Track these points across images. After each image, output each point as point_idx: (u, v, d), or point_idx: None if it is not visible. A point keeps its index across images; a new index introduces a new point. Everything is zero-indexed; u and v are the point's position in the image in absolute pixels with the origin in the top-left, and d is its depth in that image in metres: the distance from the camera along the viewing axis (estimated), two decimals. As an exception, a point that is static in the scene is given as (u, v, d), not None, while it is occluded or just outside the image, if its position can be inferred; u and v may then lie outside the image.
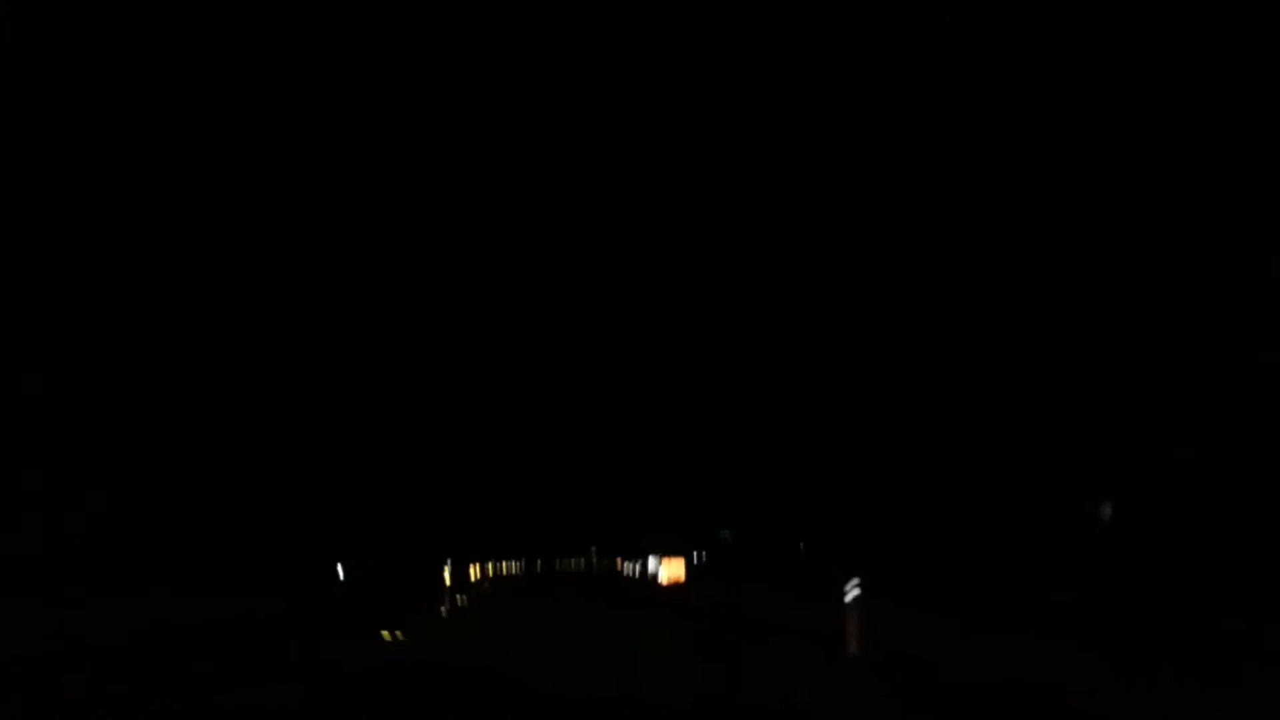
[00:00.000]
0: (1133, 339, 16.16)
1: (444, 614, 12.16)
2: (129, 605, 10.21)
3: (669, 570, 22.25)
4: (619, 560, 39.01)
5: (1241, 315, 14.02)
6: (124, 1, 15.98)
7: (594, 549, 44.43)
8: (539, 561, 43.01)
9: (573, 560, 45.02)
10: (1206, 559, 11.44)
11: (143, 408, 16.44)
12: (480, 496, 40.94)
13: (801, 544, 24.60)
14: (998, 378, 19.23)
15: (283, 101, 19.84)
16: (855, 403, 24.38)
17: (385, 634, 8.65)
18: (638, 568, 37.96)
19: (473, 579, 21.09)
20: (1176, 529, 13.24)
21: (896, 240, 23.31)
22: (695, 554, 30.86)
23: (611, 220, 39.82)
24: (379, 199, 26.28)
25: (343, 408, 24.71)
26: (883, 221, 24.01)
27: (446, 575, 13.01)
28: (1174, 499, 13.83)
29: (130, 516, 15.48)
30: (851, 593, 7.23)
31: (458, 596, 13.65)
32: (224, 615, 10.46)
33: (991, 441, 19.15)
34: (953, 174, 21.02)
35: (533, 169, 39.72)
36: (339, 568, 15.75)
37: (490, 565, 26.77)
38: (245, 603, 11.79)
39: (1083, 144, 17.76)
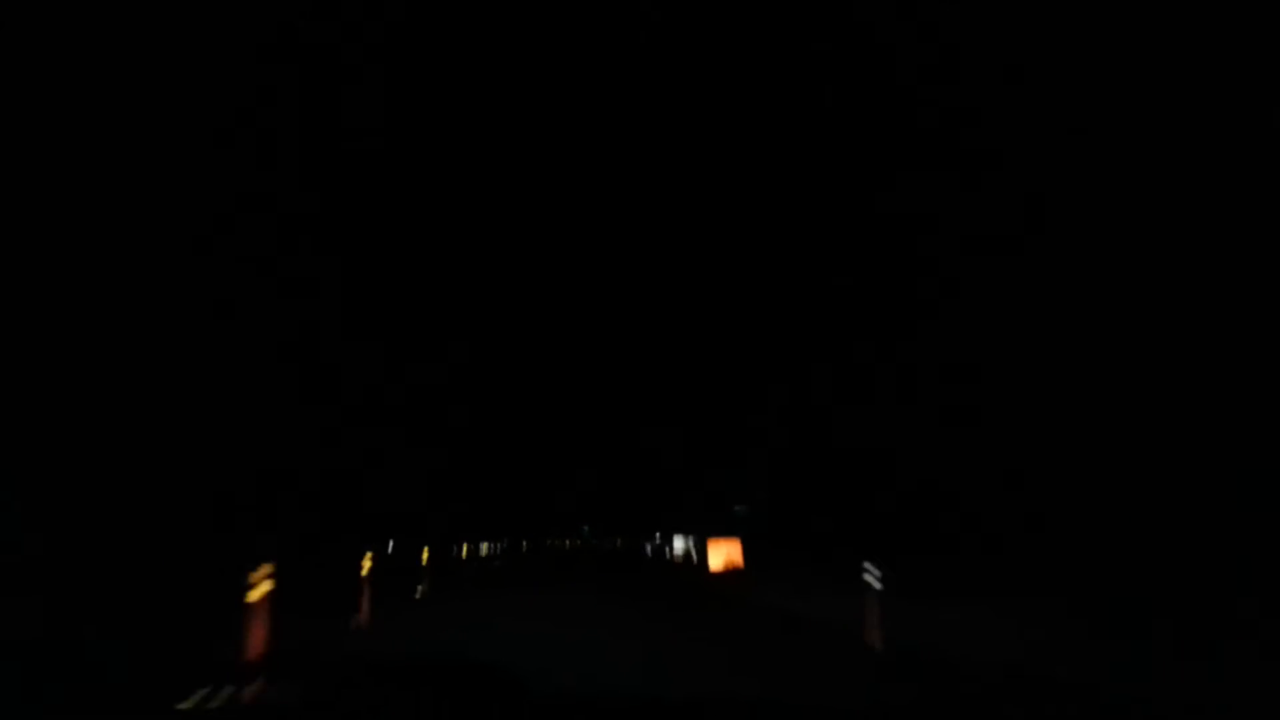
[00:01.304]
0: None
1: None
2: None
3: (721, 554, 16.54)
4: (618, 540, 35.37)
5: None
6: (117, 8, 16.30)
7: (586, 528, 40.56)
8: (525, 542, 38.51)
9: (567, 540, 40.88)
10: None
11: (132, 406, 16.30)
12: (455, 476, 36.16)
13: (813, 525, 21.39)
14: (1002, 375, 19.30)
15: (278, 97, 20.29)
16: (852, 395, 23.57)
17: None
18: (650, 549, 33.19)
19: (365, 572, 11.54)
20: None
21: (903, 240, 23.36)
22: (693, 537, 27.26)
23: (608, 221, 38.57)
24: (388, 196, 26.38)
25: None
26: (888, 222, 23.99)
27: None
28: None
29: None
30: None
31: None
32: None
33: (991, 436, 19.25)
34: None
35: (536, 174, 37.81)
36: None
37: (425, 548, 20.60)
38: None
39: (1090, 149, 18.24)
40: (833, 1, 24.35)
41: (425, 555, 14.00)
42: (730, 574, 15.24)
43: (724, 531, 22.88)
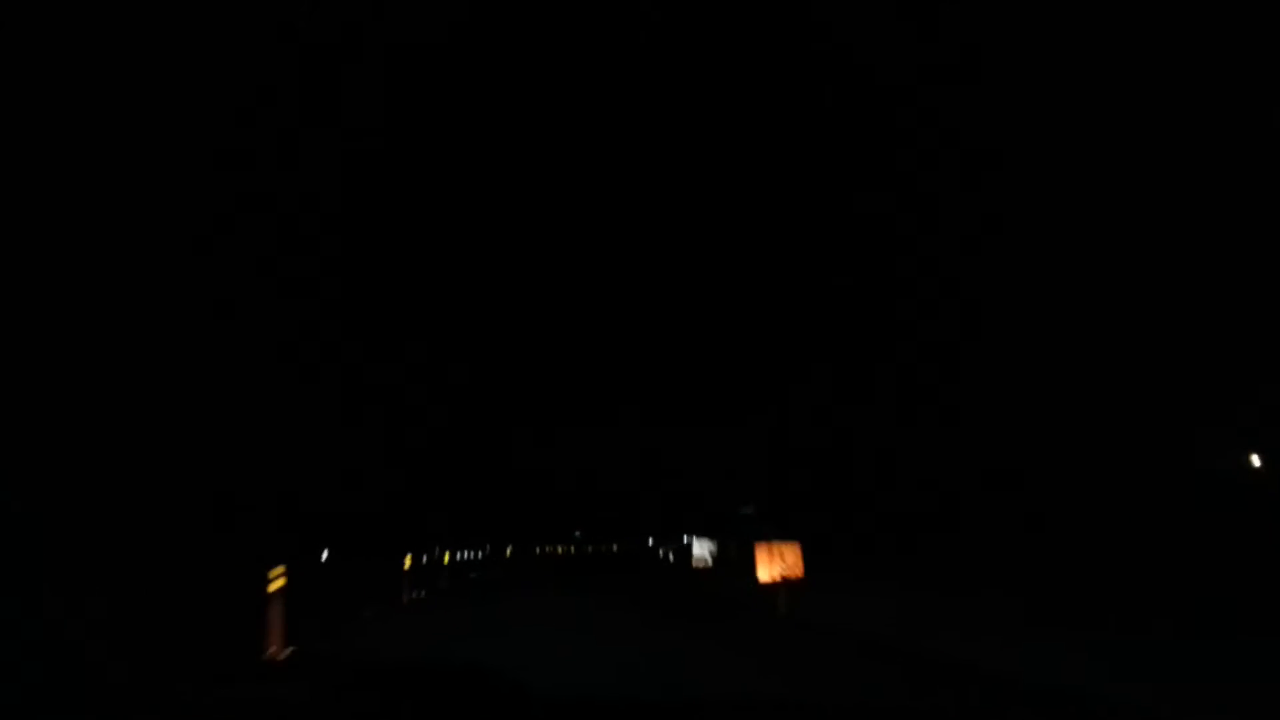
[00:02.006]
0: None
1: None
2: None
3: (776, 562, 12.60)
4: (614, 545, 34.18)
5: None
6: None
7: (578, 533, 39.48)
8: (509, 548, 35.19)
9: (559, 546, 39.26)
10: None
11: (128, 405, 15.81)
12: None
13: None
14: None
15: (277, 98, 20.31)
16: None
17: None
18: (671, 553, 29.40)
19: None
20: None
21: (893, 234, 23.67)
22: (686, 536, 26.05)
23: (608, 222, 38.73)
24: (387, 197, 26.52)
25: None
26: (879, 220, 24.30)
27: None
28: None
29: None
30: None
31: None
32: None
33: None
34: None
35: (539, 178, 37.74)
36: None
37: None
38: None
39: (1079, 148, 18.51)
40: (831, 3, 24.41)
41: (277, 580, 7.88)
42: (790, 587, 12.10)
43: (727, 533, 21.89)
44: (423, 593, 14.75)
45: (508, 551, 34.43)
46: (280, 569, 7.88)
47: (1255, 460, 14.56)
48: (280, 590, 7.74)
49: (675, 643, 7.30)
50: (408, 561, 14.67)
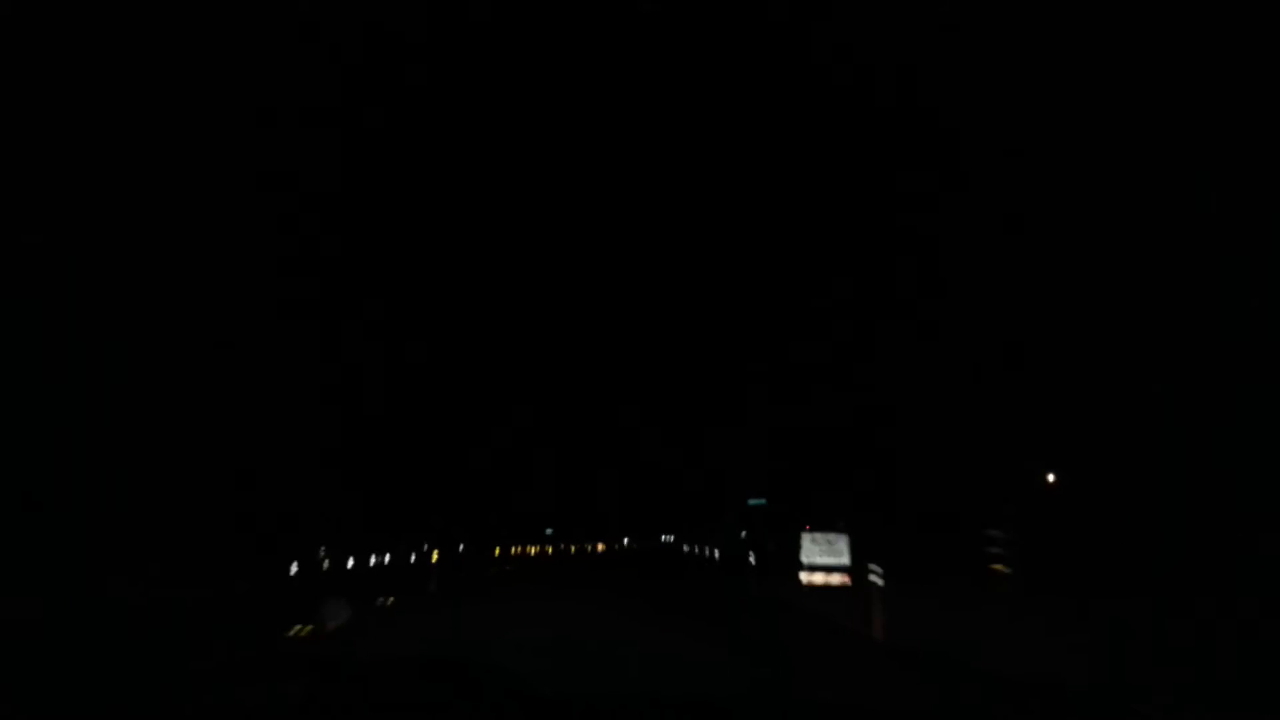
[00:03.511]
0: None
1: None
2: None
3: None
4: (598, 544, 32.58)
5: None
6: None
7: (550, 531, 37.73)
8: (460, 547, 29.86)
9: (532, 547, 36.70)
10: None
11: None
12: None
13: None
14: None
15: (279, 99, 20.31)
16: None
17: None
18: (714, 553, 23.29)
19: None
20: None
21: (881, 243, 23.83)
22: (677, 537, 24.60)
23: (599, 220, 39.30)
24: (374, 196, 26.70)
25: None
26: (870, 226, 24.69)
27: None
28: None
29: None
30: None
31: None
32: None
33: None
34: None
35: (530, 177, 37.77)
36: None
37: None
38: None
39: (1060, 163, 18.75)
40: (819, 6, 24.92)
41: None
42: None
43: (726, 529, 20.38)
44: None
45: (434, 556, 24.72)
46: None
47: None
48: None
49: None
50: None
